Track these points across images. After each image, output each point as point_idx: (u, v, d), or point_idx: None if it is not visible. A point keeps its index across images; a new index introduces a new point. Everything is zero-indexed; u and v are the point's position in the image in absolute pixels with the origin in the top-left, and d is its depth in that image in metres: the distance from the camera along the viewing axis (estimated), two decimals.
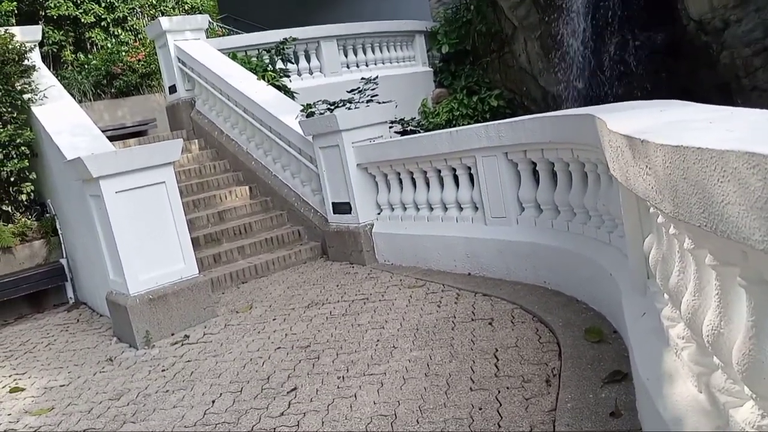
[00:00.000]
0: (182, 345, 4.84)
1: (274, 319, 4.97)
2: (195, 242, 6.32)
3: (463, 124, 10.38)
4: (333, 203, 6.68)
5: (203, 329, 5.11)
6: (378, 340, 4.08)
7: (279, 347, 4.33)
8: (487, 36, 10.90)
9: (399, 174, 6.12)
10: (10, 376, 4.88)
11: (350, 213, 6.46)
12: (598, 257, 3.78)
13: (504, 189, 4.94)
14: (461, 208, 5.50)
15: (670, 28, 8.11)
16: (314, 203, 7.15)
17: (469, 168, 5.30)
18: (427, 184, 5.86)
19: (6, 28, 7.70)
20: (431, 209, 5.83)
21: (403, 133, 7.45)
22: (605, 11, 8.47)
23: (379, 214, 6.42)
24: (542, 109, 9.74)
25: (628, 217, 2.82)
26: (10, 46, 7.25)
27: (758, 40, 7.19)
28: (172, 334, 5.10)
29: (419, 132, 7.60)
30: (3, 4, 12.36)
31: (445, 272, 5.40)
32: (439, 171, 5.65)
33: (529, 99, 10.46)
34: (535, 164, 4.72)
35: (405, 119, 7.52)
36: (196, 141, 8.88)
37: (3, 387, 4.65)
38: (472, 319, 4.12)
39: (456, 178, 5.53)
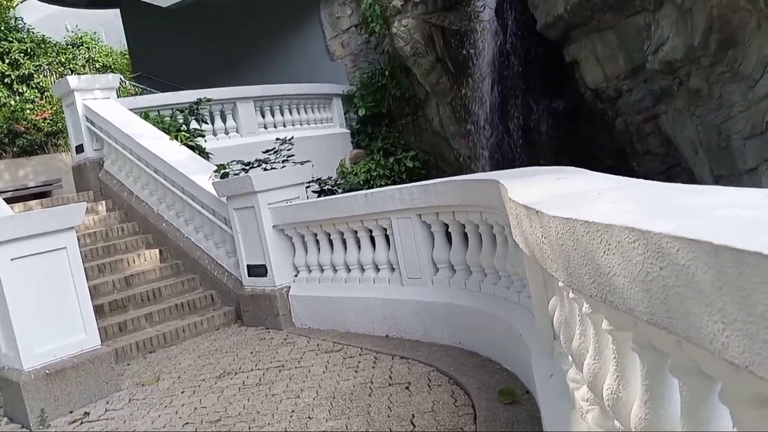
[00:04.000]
0: (81, 423, 4.47)
1: (182, 392, 4.70)
2: (99, 310, 5.97)
3: (381, 184, 10.59)
4: (248, 266, 6.52)
5: (105, 405, 4.75)
6: (293, 411, 3.93)
7: (187, 422, 4.08)
8: (402, 100, 11.29)
9: (316, 235, 6.08)
10: None
11: (266, 275, 6.32)
12: (509, 317, 3.87)
13: (419, 250, 5.01)
14: (378, 269, 5.51)
15: (569, 96, 8.71)
16: (228, 266, 6.95)
17: (385, 229, 5.35)
18: (345, 245, 5.85)
19: None
20: (349, 270, 5.81)
21: (321, 192, 7.48)
22: (509, 79, 9.01)
23: (296, 276, 6.32)
24: (455, 171, 10.09)
25: (532, 280, 2.92)
26: None
27: (648, 108, 7.84)
28: (71, 412, 4.71)
29: (337, 192, 7.65)
30: None
31: (363, 335, 5.34)
32: (356, 232, 5.66)
33: (443, 160, 10.83)
34: (447, 226, 4.83)
35: (322, 179, 7.56)
36: (104, 202, 8.51)
37: None
38: (390, 384, 4.07)
39: (372, 239, 5.56)
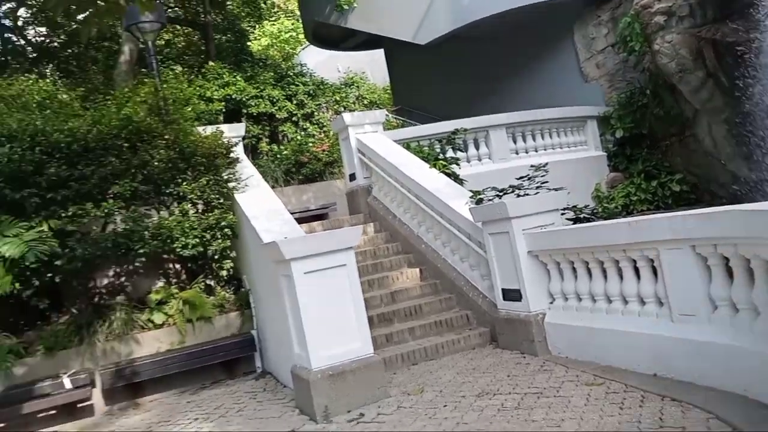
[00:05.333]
0: (358, 423, 5.03)
1: (444, 406, 5.00)
2: (368, 321, 6.59)
3: (642, 210, 9.96)
4: (503, 289, 6.66)
5: (377, 409, 5.27)
6: None
7: None
8: (666, 119, 10.50)
9: (573, 263, 5.97)
10: None
11: (520, 300, 6.39)
12: None
13: (692, 284, 4.62)
14: (643, 303, 5.20)
15: None
16: (483, 288, 7.19)
17: (652, 260, 5.04)
18: (604, 274, 5.65)
19: (217, 126, 8.98)
20: (609, 301, 5.58)
21: (576, 220, 7.32)
22: None
23: (551, 303, 6.27)
24: (732, 196, 9.05)
25: None
26: (220, 142, 8.43)
27: None
28: (348, 411, 5.31)
29: (593, 220, 7.41)
30: (213, 104, 14.51)
31: (626, 370, 5.08)
32: (617, 261, 5.43)
33: (717, 184, 9.75)
34: (727, 259, 4.39)
35: (578, 206, 7.40)
36: (372, 224, 9.45)
37: None
38: (660, 427, 3.82)
39: (637, 270, 5.28)
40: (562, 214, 6.87)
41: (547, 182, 7.25)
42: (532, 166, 7.58)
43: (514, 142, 10.99)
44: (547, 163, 7.71)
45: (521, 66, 13.91)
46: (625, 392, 4.56)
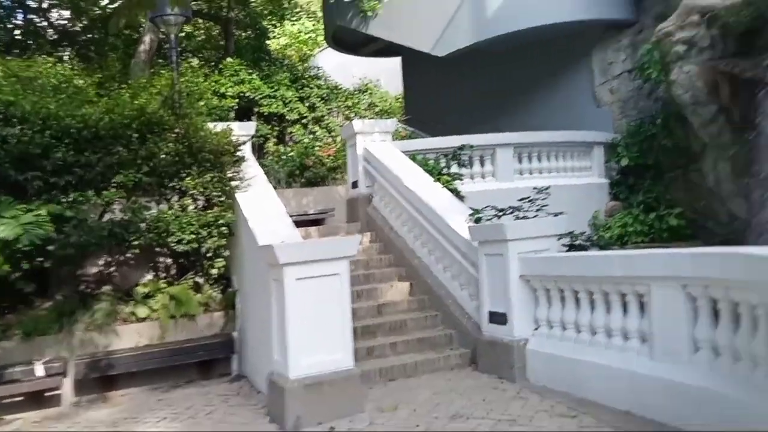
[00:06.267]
0: None
1: (417, 426, 4.94)
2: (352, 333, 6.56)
3: (637, 242, 9.85)
4: (489, 312, 6.59)
5: (349, 423, 5.20)
6: None
7: None
8: (673, 152, 10.40)
9: (562, 291, 5.91)
10: None
11: (505, 324, 6.32)
12: None
13: (677, 324, 4.56)
14: (627, 338, 5.14)
15: None
16: (470, 309, 7.11)
17: (642, 295, 4.98)
18: (592, 305, 5.58)
19: (228, 123, 8.96)
20: (593, 333, 5.52)
21: (571, 247, 7.27)
22: None
23: (536, 329, 6.20)
24: (728, 235, 8.96)
25: None
26: (229, 139, 8.40)
27: None
28: (320, 423, 5.22)
29: (588, 247, 7.33)
30: (226, 100, 14.55)
31: (600, 405, 5.01)
32: (607, 294, 5.37)
33: (715, 222, 9.64)
34: (716, 301, 4.33)
35: (574, 233, 7.34)
36: (368, 234, 9.40)
37: None
38: None
39: (625, 304, 5.22)
40: (559, 239, 6.82)
41: (547, 205, 7.21)
42: (534, 188, 7.56)
43: (520, 162, 10.88)
44: (549, 187, 7.67)
45: (535, 85, 13.85)
46: (596, 427, 4.50)
